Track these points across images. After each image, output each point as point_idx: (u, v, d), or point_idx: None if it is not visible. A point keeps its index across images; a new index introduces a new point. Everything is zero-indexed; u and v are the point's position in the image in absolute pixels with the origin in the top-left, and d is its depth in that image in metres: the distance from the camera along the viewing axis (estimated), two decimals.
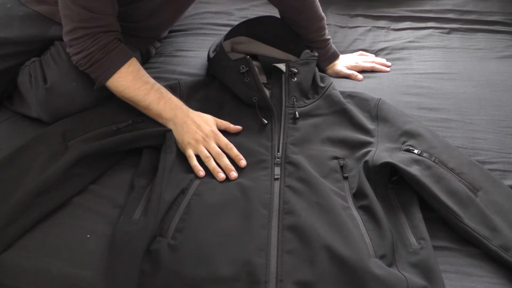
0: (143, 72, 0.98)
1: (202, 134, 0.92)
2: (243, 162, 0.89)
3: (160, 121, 0.96)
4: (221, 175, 0.87)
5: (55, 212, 0.85)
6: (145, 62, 1.23)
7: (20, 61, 1.07)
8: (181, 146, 0.93)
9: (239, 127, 0.96)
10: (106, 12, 0.93)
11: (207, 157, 0.90)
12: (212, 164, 0.89)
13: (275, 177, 0.87)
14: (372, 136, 0.95)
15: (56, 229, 0.82)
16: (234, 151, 0.91)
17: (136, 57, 0.98)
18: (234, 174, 0.87)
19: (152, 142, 0.94)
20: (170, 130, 0.94)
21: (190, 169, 0.90)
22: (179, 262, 0.73)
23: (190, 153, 0.91)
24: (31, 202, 0.82)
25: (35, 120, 1.04)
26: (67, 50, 0.96)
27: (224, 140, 0.93)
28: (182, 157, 0.92)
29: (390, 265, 0.74)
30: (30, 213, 0.82)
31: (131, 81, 0.95)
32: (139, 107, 0.96)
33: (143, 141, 0.94)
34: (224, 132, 0.96)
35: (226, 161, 0.89)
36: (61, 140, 0.93)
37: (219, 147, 0.92)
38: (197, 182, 0.87)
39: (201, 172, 0.88)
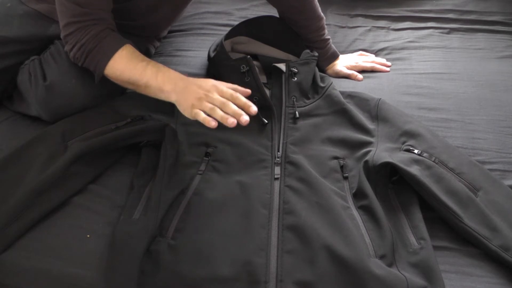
0: (138, 53, 0.96)
1: (203, 91, 0.86)
2: (252, 109, 0.83)
3: (162, 96, 0.91)
4: (231, 120, 0.80)
5: (55, 212, 0.85)
6: None
7: (20, 60, 1.06)
8: (187, 113, 0.87)
9: (248, 90, 0.88)
10: (99, 7, 0.93)
11: (211, 108, 0.83)
12: (218, 113, 0.81)
13: (275, 176, 0.86)
14: (372, 136, 0.95)
15: (56, 229, 0.82)
16: (242, 99, 0.84)
17: (131, 45, 0.97)
18: (245, 117, 0.80)
19: (151, 137, 0.94)
20: (168, 125, 0.93)
21: (190, 166, 0.89)
22: (179, 262, 0.73)
23: (196, 111, 0.84)
24: (31, 202, 0.82)
25: (35, 120, 1.04)
26: (65, 48, 0.97)
27: (228, 90, 0.85)
28: (183, 154, 0.92)
29: (390, 265, 0.74)
30: (30, 213, 0.82)
31: (126, 63, 0.93)
32: (140, 87, 0.93)
33: (142, 136, 0.94)
34: (225, 131, 0.92)
35: (233, 107, 0.82)
36: (60, 140, 0.93)
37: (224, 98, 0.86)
38: (196, 181, 0.87)
39: (213, 122, 0.81)
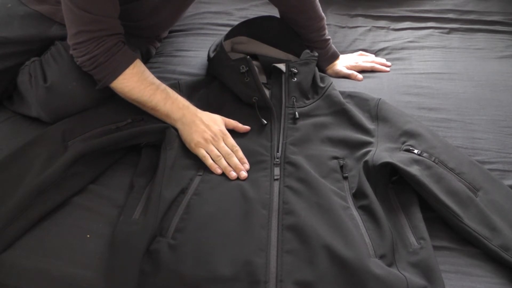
0: (148, 73, 0.98)
1: (211, 133, 0.92)
2: (247, 166, 0.90)
3: (168, 121, 0.96)
4: (233, 174, 0.87)
5: (55, 212, 0.85)
6: (145, 62, 1.23)
7: (20, 60, 1.07)
8: (190, 146, 0.93)
9: (247, 127, 0.97)
10: (108, 14, 0.93)
11: (218, 156, 0.90)
12: (223, 163, 0.89)
13: (275, 177, 0.87)
14: (372, 136, 0.95)
15: (56, 229, 0.83)
16: (240, 154, 0.91)
17: (139, 58, 0.98)
18: (244, 173, 0.88)
19: (151, 138, 0.94)
20: (169, 127, 0.94)
21: (190, 167, 0.90)
22: (179, 262, 0.73)
23: (203, 153, 0.91)
24: (31, 202, 0.82)
25: (35, 120, 1.04)
26: (71, 52, 0.96)
27: (231, 141, 0.93)
28: (182, 155, 0.92)
29: (390, 265, 0.74)
30: (30, 213, 0.82)
31: (136, 82, 0.95)
32: (146, 108, 0.96)
33: (142, 137, 0.94)
34: (229, 132, 0.96)
35: (236, 161, 0.89)
36: (60, 140, 0.93)
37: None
38: (196, 181, 0.87)
39: (219, 170, 0.88)
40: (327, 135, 0.95)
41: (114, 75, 0.94)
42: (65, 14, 0.93)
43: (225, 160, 0.90)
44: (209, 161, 0.90)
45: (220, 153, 0.91)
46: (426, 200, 0.83)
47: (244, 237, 0.76)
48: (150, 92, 0.95)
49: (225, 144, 0.92)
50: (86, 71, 0.96)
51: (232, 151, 0.91)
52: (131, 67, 0.95)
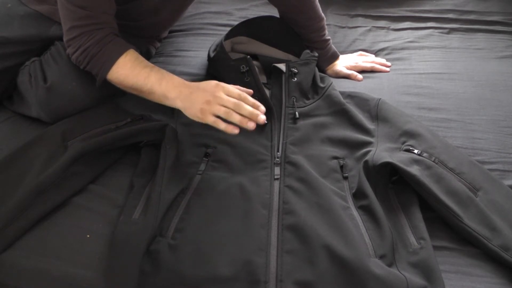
0: (141, 58, 0.96)
1: (209, 93, 0.85)
2: (262, 108, 0.83)
3: (167, 103, 0.92)
4: (251, 124, 0.81)
5: (55, 212, 0.85)
6: None
7: (20, 60, 1.07)
8: (197, 117, 0.86)
9: (250, 90, 0.89)
10: (102, 10, 0.93)
11: (227, 112, 0.82)
12: (237, 117, 0.82)
13: (275, 177, 0.86)
14: (372, 136, 0.95)
15: (56, 229, 0.83)
16: (250, 100, 0.84)
17: (134, 49, 0.97)
18: (262, 117, 0.81)
19: (151, 137, 0.94)
20: (168, 125, 0.93)
21: (190, 166, 0.89)
22: (179, 262, 0.73)
23: (213, 119, 0.83)
24: (31, 202, 0.82)
25: (35, 120, 1.04)
26: (67, 51, 0.96)
27: (234, 90, 0.85)
28: (182, 154, 0.92)
29: (390, 265, 0.74)
30: (30, 213, 0.82)
31: (130, 68, 0.93)
32: (144, 93, 0.94)
33: (142, 135, 0.94)
34: (225, 136, 0.91)
35: (248, 108, 0.82)
36: (60, 140, 0.93)
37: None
38: (196, 180, 0.87)
39: (236, 129, 0.82)
40: (327, 135, 0.95)
41: (108, 65, 0.93)
42: (60, 11, 0.93)
43: (237, 112, 0.82)
44: (222, 125, 0.82)
45: (228, 107, 0.83)
46: (426, 200, 0.83)
47: (244, 237, 0.76)
48: (145, 75, 0.92)
49: (229, 95, 0.84)
50: (82, 68, 0.96)
51: (240, 99, 0.84)
52: (123, 55, 0.93)
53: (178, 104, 0.90)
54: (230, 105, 0.83)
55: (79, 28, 0.92)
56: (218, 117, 0.84)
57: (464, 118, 1.05)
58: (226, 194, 0.83)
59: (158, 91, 0.91)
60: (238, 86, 0.89)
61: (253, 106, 0.83)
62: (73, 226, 0.83)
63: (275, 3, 1.18)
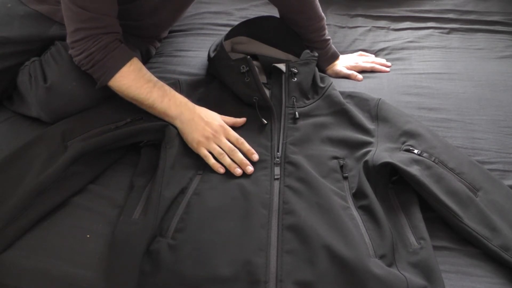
0: (145, 70, 0.97)
1: (211, 130, 0.91)
2: (255, 156, 0.89)
3: (166, 119, 0.95)
4: (238, 170, 0.86)
5: (55, 212, 0.85)
6: (145, 62, 1.23)
7: (20, 60, 1.07)
8: (191, 145, 0.92)
9: (243, 118, 0.96)
10: (106, 12, 0.93)
11: (221, 153, 0.89)
12: (227, 161, 0.88)
13: (275, 177, 0.86)
14: (372, 136, 0.95)
15: (56, 229, 0.83)
16: (246, 146, 0.90)
17: (137, 57, 0.98)
18: (250, 168, 0.87)
19: (151, 137, 0.94)
20: (168, 125, 0.94)
21: (190, 167, 0.89)
22: (179, 262, 0.73)
23: (205, 152, 0.89)
24: (31, 202, 0.82)
25: (35, 120, 1.04)
26: (69, 52, 0.96)
27: (234, 134, 0.91)
28: (183, 154, 0.92)
29: (390, 265, 0.74)
30: (30, 213, 0.82)
31: (133, 79, 0.94)
32: (144, 106, 0.96)
33: (142, 135, 0.94)
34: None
35: (240, 156, 0.88)
36: (60, 140, 0.93)
37: (230, 142, 0.91)
38: (196, 181, 0.87)
39: (221, 169, 0.87)
40: (327, 135, 0.95)
41: (111, 73, 0.94)
42: (64, 12, 0.93)
43: (229, 157, 0.88)
44: (211, 161, 0.89)
45: (223, 149, 0.89)
46: (426, 200, 0.83)
47: (244, 237, 0.76)
48: (147, 89, 0.94)
49: (228, 139, 0.91)
50: (84, 70, 0.96)
51: (236, 144, 0.90)
52: (128, 64, 0.94)
53: (177, 123, 0.94)
54: (226, 148, 0.89)
55: (84, 31, 0.92)
56: (210, 152, 0.90)
57: (464, 118, 1.05)
58: (226, 194, 0.83)
59: (159, 108, 0.94)
60: (237, 119, 0.95)
61: (247, 152, 0.89)
62: (73, 226, 0.83)
63: (275, 3, 1.18)
